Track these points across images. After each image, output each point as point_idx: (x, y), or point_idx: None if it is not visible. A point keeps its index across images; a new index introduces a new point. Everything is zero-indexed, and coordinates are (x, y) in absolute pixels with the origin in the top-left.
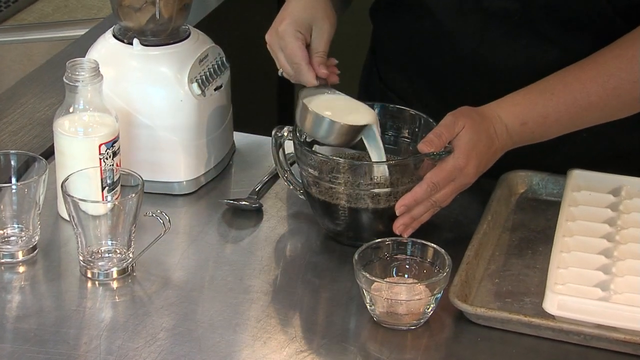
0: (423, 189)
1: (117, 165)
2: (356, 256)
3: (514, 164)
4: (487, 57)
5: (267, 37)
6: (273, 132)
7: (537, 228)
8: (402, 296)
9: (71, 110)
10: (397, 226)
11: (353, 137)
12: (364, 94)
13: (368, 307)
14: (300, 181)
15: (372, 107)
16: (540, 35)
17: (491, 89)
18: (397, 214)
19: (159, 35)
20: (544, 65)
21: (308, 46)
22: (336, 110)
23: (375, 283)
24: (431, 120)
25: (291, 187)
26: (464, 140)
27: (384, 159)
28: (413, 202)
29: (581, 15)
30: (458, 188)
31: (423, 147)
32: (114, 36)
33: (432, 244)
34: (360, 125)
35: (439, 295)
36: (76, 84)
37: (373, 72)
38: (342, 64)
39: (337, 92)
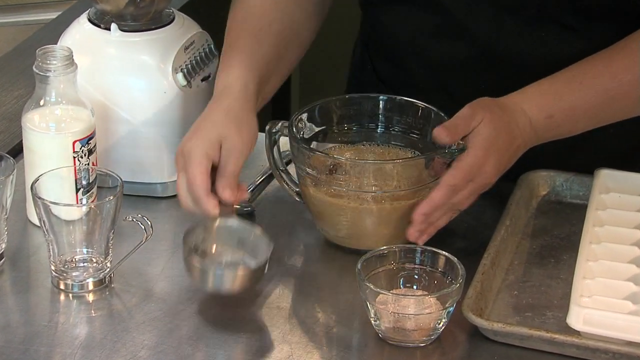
0: (441, 193)
1: (93, 165)
2: (359, 265)
3: (535, 162)
4: (502, 51)
5: (177, 150)
6: (267, 128)
7: (560, 234)
8: (410, 310)
9: (42, 103)
10: (412, 233)
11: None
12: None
13: (372, 322)
14: (297, 182)
15: (377, 99)
16: (561, 26)
17: (504, 83)
18: (416, 224)
19: (140, 19)
20: (566, 56)
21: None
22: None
23: (381, 295)
24: (442, 114)
25: (287, 188)
26: (483, 135)
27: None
28: (432, 210)
29: (606, 3)
30: (477, 189)
31: (440, 132)
32: (90, 20)
33: (444, 252)
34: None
35: (452, 308)
36: (47, 74)
37: (368, 69)
38: (326, 58)
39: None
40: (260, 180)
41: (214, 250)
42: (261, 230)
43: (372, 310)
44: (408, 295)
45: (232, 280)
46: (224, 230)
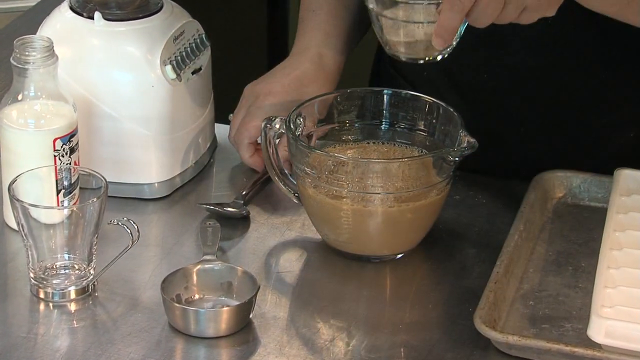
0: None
1: (75, 164)
2: None
3: (551, 163)
4: (509, 38)
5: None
6: (262, 124)
7: (578, 239)
8: (420, 18)
9: (20, 97)
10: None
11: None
12: (375, 84)
13: (380, 38)
14: (295, 182)
15: (381, 93)
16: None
17: (513, 75)
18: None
19: (126, 7)
20: (577, 40)
21: None
22: None
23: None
24: (451, 110)
25: (284, 189)
26: None
27: None
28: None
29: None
30: None
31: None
32: (71, 9)
33: None
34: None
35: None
36: (26, 67)
37: (385, 62)
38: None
39: None
40: (255, 180)
41: (197, 297)
42: (244, 270)
43: (378, 25)
44: (418, 2)
45: (217, 324)
46: (205, 275)
